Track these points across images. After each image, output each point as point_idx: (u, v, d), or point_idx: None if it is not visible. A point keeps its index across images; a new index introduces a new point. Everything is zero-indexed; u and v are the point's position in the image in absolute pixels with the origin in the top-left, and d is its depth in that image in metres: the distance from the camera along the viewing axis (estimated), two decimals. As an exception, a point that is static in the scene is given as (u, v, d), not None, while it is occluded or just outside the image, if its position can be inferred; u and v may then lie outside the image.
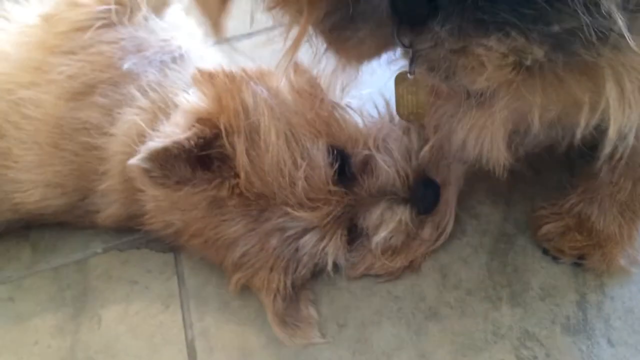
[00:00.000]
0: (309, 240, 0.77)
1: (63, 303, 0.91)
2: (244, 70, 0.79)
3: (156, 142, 0.69)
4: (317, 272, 0.85)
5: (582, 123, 0.53)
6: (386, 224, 0.80)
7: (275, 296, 0.81)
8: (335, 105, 0.81)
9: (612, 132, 0.51)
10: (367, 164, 0.80)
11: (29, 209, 0.89)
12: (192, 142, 0.70)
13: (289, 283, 0.80)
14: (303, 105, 0.78)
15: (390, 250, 0.84)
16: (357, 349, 0.83)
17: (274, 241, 0.79)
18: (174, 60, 0.84)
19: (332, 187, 0.77)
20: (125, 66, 0.82)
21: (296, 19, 0.51)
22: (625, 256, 0.83)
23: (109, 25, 0.88)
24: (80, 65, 0.83)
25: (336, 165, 0.78)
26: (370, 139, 0.80)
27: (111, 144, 0.81)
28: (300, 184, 0.74)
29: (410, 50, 0.54)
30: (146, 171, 0.69)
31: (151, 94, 0.79)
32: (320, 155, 0.76)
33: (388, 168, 0.78)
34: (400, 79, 0.64)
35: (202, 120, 0.72)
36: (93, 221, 0.90)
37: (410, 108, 0.66)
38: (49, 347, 0.87)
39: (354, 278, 0.88)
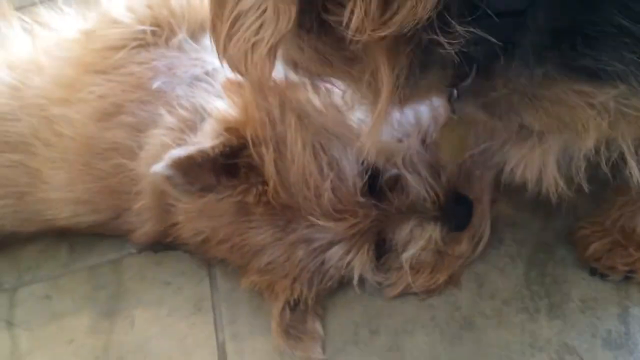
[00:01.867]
0: (335, 253, 0.77)
1: (98, 302, 0.92)
2: (273, 81, 0.78)
3: (180, 150, 0.69)
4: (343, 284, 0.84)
5: None
6: (415, 241, 0.78)
7: (284, 306, 0.80)
8: (365, 120, 0.80)
9: None
10: (397, 181, 0.79)
11: (61, 225, 0.90)
12: (218, 151, 0.70)
13: (312, 295, 0.80)
14: (334, 118, 0.77)
15: (430, 268, 0.82)
16: (388, 357, 0.81)
17: (300, 252, 0.78)
18: (206, 73, 0.84)
19: (360, 199, 0.76)
20: (155, 85, 0.82)
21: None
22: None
23: (143, 45, 0.88)
24: (111, 86, 0.84)
25: (366, 177, 0.77)
26: (400, 156, 0.79)
27: (141, 164, 0.81)
28: (327, 195, 0.73)
29: (455, 91, 0.53)
30: (169, 178, 0.69)
31: (180, 111, 0.78)
32: (349, 165, 0.75)
33: (418, 187, 0.77)
34: (447, 126, 0.63)
35: (229, 129, 0.72)
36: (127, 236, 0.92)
37: (454, 148, 0.65)
38: (83, 345, 0.88)
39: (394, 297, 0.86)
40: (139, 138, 0.81)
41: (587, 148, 0.52)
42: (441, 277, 0.82)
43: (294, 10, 0.43)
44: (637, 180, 0.57)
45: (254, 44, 0.46)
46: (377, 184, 0.77)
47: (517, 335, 0.80)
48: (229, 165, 0.73)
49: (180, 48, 0.89)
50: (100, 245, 0.98)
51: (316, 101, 0.77)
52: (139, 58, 0.87)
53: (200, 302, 0.90)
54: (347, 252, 0.76)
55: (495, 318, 0.82)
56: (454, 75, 0.51)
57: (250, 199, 0.74)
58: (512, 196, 0.90)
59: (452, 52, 0.44)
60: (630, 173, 0.56)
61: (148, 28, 0.88)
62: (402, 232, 0.78)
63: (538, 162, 0.58)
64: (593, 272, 0.84)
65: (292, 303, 0.81)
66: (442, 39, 0.43)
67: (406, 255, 0.79)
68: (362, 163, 0.76)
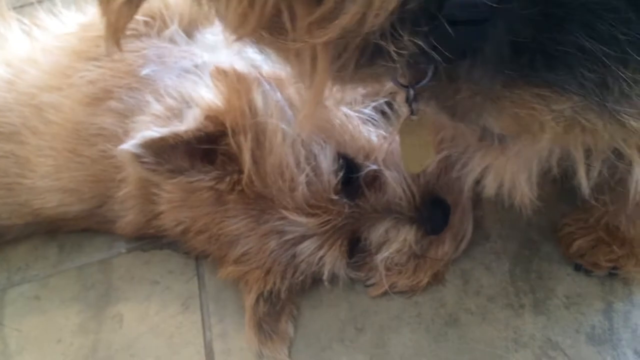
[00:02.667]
0: (306, 247, 0.77)
1: (86, 302, 0.93)
2: (260, 72, 0.79)
3: (153, 131, 0.70)
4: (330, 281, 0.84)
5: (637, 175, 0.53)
6: (390, 242, 0.79)
7: (258, 297, 0.81)
8: (348, 116, 0.80)
9: None
10: (376, 179, 0.79)
11: (48, 214, 0.91)
12: (191, 135, 0.70)
13: (284, 288, 0.80)
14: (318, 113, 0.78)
15: (412, 268, 0.83)
16: (374, 354, 0.82)
17: (272, 243, 0.79)
18: (195, 66, 0.85)
19: (334, 196, 0.76)
20: (144, 72, 0.83)
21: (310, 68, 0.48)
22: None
23: (136, 35, 0.89)
24: (101, 72, 0.85)
25: (341, 174, 0.77)
26: (381, 153, 0.79)
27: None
28: (301, 188, 0.74)
29: (411, 90, 0.53)
30: (137, 157, 0.69)
31: (167, 99, 0.79)
32: (326, 162, 0.75)
33: (396, 185, 0.77)
34: (403, 126, 0.61)
35: (209, 116, 0.73)
36: (113, 229, 0.92)
37: (417, 153, 0.64)
38: (72, 344, 0.89)
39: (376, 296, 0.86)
40: (126, 124, 0.82)
41: (540, 150, 0.53)
42: (424, 277, 0.82)
43: None
44: (585, 189, 0.57)
45: None
46: (356, 180, 0.78)
47: (501, 331, 0.81)
48: (207, 151, 0.73)
49: (171, 40, 0.90)
50: (89, 245, 0.99)
51: (302, 94, 0.77)
52: (131, 46, 0.88)
53: (188, 300, 0.91)
54: (319, 248, 0.77)
55: (480, 314, 0.83)
56: (412, 75, 0.51)
57: (224, 186, 0.74)
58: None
59: (398, 58, 0.43)
60: (579, 182, 0.56)
61: (141, 18, 0.89)
62: (377, 232, 0.79)
63: (506, 171, 0.59)
64: (577, 268, 0.84)
65: (265, 295, 0.81)
66: (390, 47, 0.43)
67: (380, 257, 0.79)
68: (340, 160, 0.76)
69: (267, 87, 0.76)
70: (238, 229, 0.77)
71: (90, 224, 0.95)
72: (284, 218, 0.75)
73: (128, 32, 0.89)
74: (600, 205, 0.70)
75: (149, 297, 0.92)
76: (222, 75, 0.76)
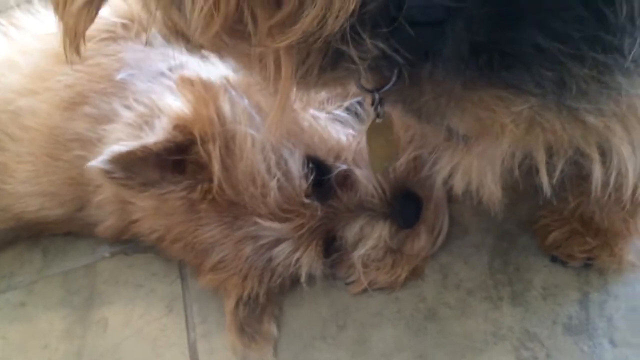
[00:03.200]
0: (282, 250, 0.78)
1: (71, 307, 0.94)
2: (226, 79, 0.79)
3: (121, 145, 0.70)
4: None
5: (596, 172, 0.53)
6: (365, 239, 0.80)
7: (238, 302, 0.81)
8: (316, 117, 0.81)
9: (631, 180, 0.52)
10: (347, 178, 0.79)
11: (30, 218, 0.91)
12: (161, 147, 0.71)
13: (262, 292, 0.81)
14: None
15: (390, 264, 0.83)
16: (356, 351, 0.83)
17: (247, 249, 0.79)
18: (169, 69, 0.85)
19: (306, 200, 0.77)
20: (119, 77, 0.83)
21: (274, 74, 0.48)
22: (634, 250, 0.82)
23: (114, 38, 0.89)
24: (78, 76, 0.85)
25: (311, 178, 0.77)
26: (350, 152, 0.80)
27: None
28: (273, 194, 0.74)
29: (376, 95, 0.54)
30: (107, 172, 0.69)
31: (138, 106, 0.79)
32: (296, 166, 0.76)
33: (366, 183, 0.78)
34: (369, 129, 0.62)
35: (177, 126, 0.73)
36: (94, 232, 0.92)
37: (383, 154, 0.65)
38: (57, 350, 0.89)
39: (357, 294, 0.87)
40: (99, 130, 0.82)
41: (502, 151, 0.54)
42: (402, 273, 0.83)
43: None
44: (546, 189, 0.58)
45: None
46: (327, 181, 0.78)
47: (480, 324, 0.82)
48: (177, 161, 0.74)
49: (149, 43, 0.90)
50: (73, 250, 1.00)
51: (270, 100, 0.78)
52: (108, 50, 0.88)
53: (172, 302, 0.92)
54: (294, 250, 0.78)
55: (459, 308, 0.84)
56: (376, 79, 0.52)
57: (196, 195, 0.75)
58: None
59: (361, 62, 0.44)
60: (541, 181, 0.57)
61: (119, 20, 0.89)
62: (352, 230, 0.79)
63: (472, 169, 0.59)
64: (554, 259, 0.85)
65: (244, 299, 0.82)
66: (352, 52, 0.43)
67: (357, 254, 0.80)
68: (309, 164, 0.77)
69: (234, 94, 0.77)
70: (212, 237, 0.78)
71: (71, 227, 0.96)
72: (257, 224, 0.76)
73: (105, 35, 0.90)
74: (561, 202, 0.71)
75: (133, 301, 0.93)
76: (188, 83, 0.76)
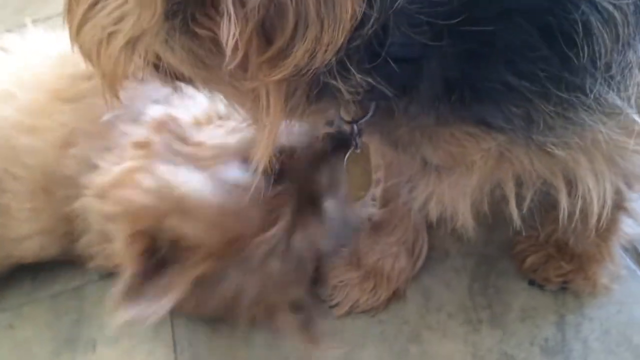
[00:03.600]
0: (297, 240, 0.79)
1: (60, 330, 0.95)
2: (135, 144, 0.81)
3: (114, 290, 0.73)
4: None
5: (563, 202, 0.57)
6: (338, 176, 0.81)
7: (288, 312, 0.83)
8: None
9: (595, 208, 0.55)
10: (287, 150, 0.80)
11: (28, 262, 0.94)
12: (140, 267, 0.73)
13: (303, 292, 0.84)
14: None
15: (372, 285, 0.86)
16: (340, 372, 0.85)
17: (273, 264, 0.80)
18: (156, 102, 0.87)
19: (273, 195, 0.77)
20: (104, 118, 0.84)
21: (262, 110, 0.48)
22: (607, 274, 0.85)
23: None
24: (73, 115, 0.86)
25: (256, 177, 0.74)
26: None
27: (83, 203, 0.83)
28: (253, 212, 0.76)
29: (355, 126, 0.56)
30: (140, 316, 0.72)
31: (113, 154, 0.81)
32: (240, 177, 0.76)
33: (310, 145, 0.79)
34: (349, 160, 0.64)
35: (133, 236, 0.75)
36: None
37: (360, 183, 0.67)
38: (45, 372, 0.90)
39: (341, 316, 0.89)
40: (82, 178, 0.84)
41: (472, 185, 0.57)
42: (383, 294, 0.85)
43: (160, 6, 0.40)
44: (516, 219, 0.61)
45: (110, 34, 0.43)
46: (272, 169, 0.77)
47: (460, 345, 0.84)
48: (164, 256, 0.76)
49: (143, 80, 0.92)
50: (63, 273, 1.01)
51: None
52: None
53: (159, 326, 0.93)
54: (304, 231, 0.80)
55: (441, 330, 0.86)
56: (355, 110, 0.55)
57: (208, 265, 0.76)
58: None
59: (349, 96, 0.47)
60: (510, 212, 0.60)
61: None
62: (323, 174, 0.81)
63: (446, 198, 0.62)
64: (532, 282, 0.88)
65: (292, 308, 0.83)
66: (341, 86, 0.46)
67: (338, 190, 0.82)
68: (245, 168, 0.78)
69: (153, 164, 0.78)
70: (235, 284, 0.79)
71: (72, 259, 0.97)
72: (262, 241, 0.77)
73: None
74: (536, 229, 0.75)
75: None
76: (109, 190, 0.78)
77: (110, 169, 0.80)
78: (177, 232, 0.75)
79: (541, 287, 0.87)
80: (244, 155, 0.79)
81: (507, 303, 0.88)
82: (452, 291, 0.90)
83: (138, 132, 0.82)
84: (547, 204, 0.64)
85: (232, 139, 0.80)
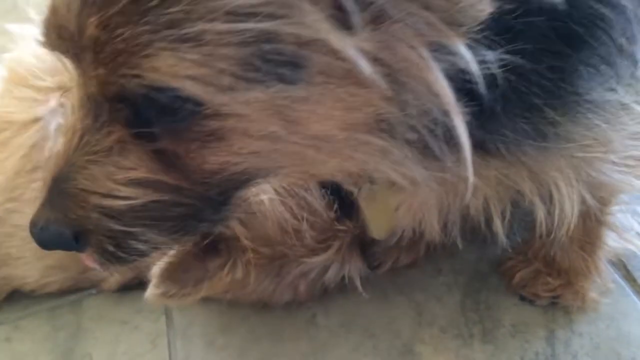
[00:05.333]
0: (332, 273, 0.85)
1: (56, 343, 0.96)
2: None
3: (157, 265, 0.74)
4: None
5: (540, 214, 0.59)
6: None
7: None
8: None
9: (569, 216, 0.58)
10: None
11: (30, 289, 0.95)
12: (190, 244, 0.76)
13: None
14: None
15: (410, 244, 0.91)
16: (334, 386, 0.86)
17: (302, 287, 0.86)
18: None
19: (337, 225, 0.83)
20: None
21: None
22: (596, 288, 0.87)
23: None
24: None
25: (335, 206, 0.83)
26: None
27: None
28: (308, 235, 0.80)
29: None
30: (163, 294, 0.74)
31: None
32: (316, 202, 0.80)
33: None
34: (367, 199, 0.68)
35: None
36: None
37: (384, 219, 0.70)
38: (42, 386, 0.91)
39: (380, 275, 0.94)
40: None
41: (456, 207, 0.59)
42: (421, 251, 0.93)
43: None
44: (501, 237, 0.64)
45: None
46: (347, 199, 0.83)
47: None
48: (208, 248, 0.78)
49: None
50: (60, 287, 1.02)
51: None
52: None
53: (156, 339, 0.94)
54: (342, 268, 0.85)
55: (433, 344, 0.88)
56: None
57: (239, 273, 0.79)
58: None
59: None
60: (496, 230, 0.63)
61: None
62: None
63: (419, 209, 0.64)
64: (522, 298, 0.90)
65: None
66: None
67: (390, 243, 0.88)
68: (328, 194, 0.82)
69: None
70: (266, 290, 0.83)
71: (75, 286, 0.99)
72: (303, 263, 0.81)
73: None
74: (528, 243, 0.77)
75: (118, 337, 0.95)
76: None
77: None
78: (234, 230, 0.78)
79: (531, 302, 0.89)
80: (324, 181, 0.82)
81: (498, 318, 0.89)
82: (444, 306, 0.92)
83: None
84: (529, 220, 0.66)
85: None
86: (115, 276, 0.92)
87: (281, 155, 0.48)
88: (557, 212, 0.59)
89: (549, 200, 0.59)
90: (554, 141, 0.53)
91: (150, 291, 0.74)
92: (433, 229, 0.67)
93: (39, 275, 0.93)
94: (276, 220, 0.78)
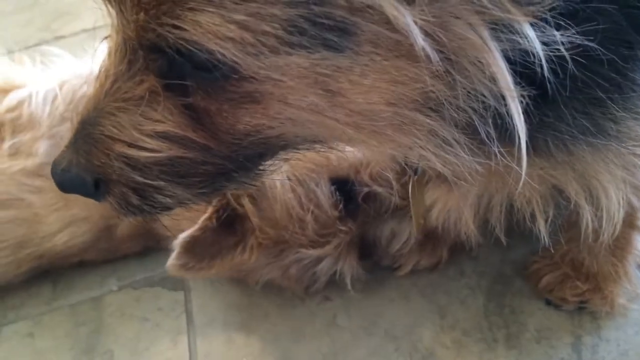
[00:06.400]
0: (324, 265, 0.85)
1: (78, 339, 0.96)
2: None
3: (181, 236, 0.77)
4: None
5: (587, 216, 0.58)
6: (399, 237, 0.87)
7: None
8: None
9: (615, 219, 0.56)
10: (370, 195, 0.85)
11: (58, 251, 0.95)
12: (214, 220, 0.78)
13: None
14: None
15: (432, 246, 0.91)
16: (354, 388, 0.85)
17: (292, 270, 0.86)
18: None
19: (339, 225, 0.83)
20: None
21: None
22: (625, 293, 0.85)
23: None
24: None
25: (341, 206, 0.83)
26: (368, 165, 0.85)
27: None
28: (310, 226, 0.81)
29: None
30: (183, 266, 0.77)
31: None
32: (324, 197, 0.81)
33: (386, 195, 0.84)
34: (415, 188, 0.66)
35: None
36: (114, 248, 0.97)
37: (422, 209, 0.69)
38: (63, 381, 0.92)
39: (402, 276, 0.93)
40: None
41: (498, 202, 0.57)
42: (443, 253, 0.92)
43: None
44: (544, 235, 0.62)
45: None
46: (354, 197, 0.84)
47: (475, 364, 0.85)
48: (225, 222, 0.80)
49: None
50: (81, 283, 1.03)
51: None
52: None
53: (176, 337, 0.94)
54: (336, 263, 0.85)
55: (455, 348, 0.86)
56: None
57: (247, 255, 0.81)
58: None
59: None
60: (539, 229, 0.61)
61: None
62: (384, 232, 0.87)
63: (452, 206, 0.63)
64: (548, 302, 0.88)
65: None
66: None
67: (392, 249, 0.88)
68: (336, 193, 0.82)
69: None
70: (260, 265, 0.85)
71: (92, 254, 0.99)
72: (300, 251, 0.83)
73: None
74: (556, 245, 0.75)
75: (139, 334, 0.95)
76: None
77: None
78: (245, 209, 0.80)
79: (557, 307, 0.87)
80: (336, 174, 0.84)
81: (522, 323, 0.87)
82: (467, 310, 0.90)
83: None
84: (567, 221, 0.64)
85: (333, 157, 0.84)
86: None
87: (319, 127, 0.46)
88: (603, 215, 0.57)
89: (594, 202, 0.56)
90: (613, 138, 0.50)
91: (171, 261, 0.76)
92: (468, 229, 0.65)
93: (68, 235, 0.94)
94: (284, 204, 0.80)
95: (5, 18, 1.13)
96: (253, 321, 0.94)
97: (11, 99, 0.94)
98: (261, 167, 0.53)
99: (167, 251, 1.01)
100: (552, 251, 0.84)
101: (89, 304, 1.00)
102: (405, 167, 0.63)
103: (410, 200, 0.70)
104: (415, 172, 0.64)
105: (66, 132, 0.84)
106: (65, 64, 1.04)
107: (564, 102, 0.46)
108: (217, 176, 0.51)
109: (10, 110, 0.93)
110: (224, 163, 0.50)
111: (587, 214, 0.59)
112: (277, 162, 0.54)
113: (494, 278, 0.93)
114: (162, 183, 0.50)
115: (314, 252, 0.83)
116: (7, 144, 0.92)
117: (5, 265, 0.95)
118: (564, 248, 0.82)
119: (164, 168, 0.50)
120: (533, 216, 0.63)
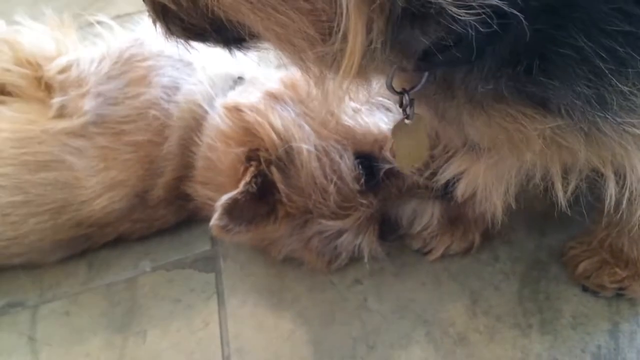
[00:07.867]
0: (345, 239, 0.86)
1: (113, 318, 0.98)
2: (268, 92, 0.86)
3: (224, 197, 0.79)
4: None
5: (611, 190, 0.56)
6: (419, 218, 0.87)
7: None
8: (358, 111, 0.86)
9: None
10: (393, 172, 0.85)
11: (96, 218, 0.97)
12: (253, 184, 0.80)
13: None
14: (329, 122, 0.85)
15: (463, 230, 0.91)
16: (385, 372, 0.85)
17: (314, 242, 0.88)
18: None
19: (360, 198, 0.83)
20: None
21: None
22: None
23: None
24: None
25: (362, 180, 0.83)
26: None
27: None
28: (332, 197, 0.82)
29: (406, 96, 0.56)
30: (223, 227, 0.79)
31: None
32: (347, 169, 0.82)
33: (413, 175, 0.83)
34: (397, 130, 0.63)
35: (248, 157, 0.81)
36: (148, 218, 1.00)
37: (411, 154, 0.67)
38: (98, 358, 0.93)
39: (433, 261, 0.93)
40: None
41: (521, 164, 0.55)
42: (476, 237, 0.91)
43: None
44: (563, 203, 0.60)
45: None
46: (377, 174, 0.84)
47: (508, 350, 0.83)
48: (262, 190, 0.82)
49: None
50: (116, 264, 1.04)
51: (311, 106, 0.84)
52: None
53: (207, 317, 0.95)
54: (356, 237, 0.86)
55: (488, 334, 0.85)
56: (406, 79, 0.54)
57: (277, 225, 0.84)
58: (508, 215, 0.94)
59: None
60: (556, 195, 0.59)
61: None
62: (406, 212, 0.88)
63: (480, 179, 0.61)
64: (585, 289, 0.86)
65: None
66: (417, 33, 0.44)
67: (413, 230, 0.88)
68: (359, 166, 0.83)
69: (279, 107, 0.82)
70: (279, 232, 0.87)
71: (126, 225, 1.01)
72: (321, 223, 0.84)
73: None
74: (590, 233, 0.72)
75: (172, 314, 0.97)
76: (236, 112, 0.82)
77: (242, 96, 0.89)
78: (273, 177, 0.82)
79: (595, 293, 0.85)
80: (360, 148, 0.84)
81: (557, 309, 0.86)
82: (501, 295, 0.89)
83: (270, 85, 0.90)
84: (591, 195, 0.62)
85: (360, 129, 0.85)
86: (163, 177, 0.97)
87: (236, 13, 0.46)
88: (626, 193, 0.55)
89: (621, 179, 0.55)
90: (619, 114, 0.49)
91: (214, 221, 0.79)
92: (495, 208, 0.64)
93: (106, 200, 0.96)
94: (310, 172, 0.81)
95: (39, 5, 1.14)
96: (283, 304, 0.94)
97: (61, 61, 0.96)
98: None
99: (198, 234, 1.04)
100: (590, 237, 0.83)
101: (123, 284, 1.02)
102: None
103: (394, 142, 0.67)
104: (407, 116, 0.60)
105: (112, 91, 0.91)
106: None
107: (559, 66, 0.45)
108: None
109: (61, 71, 0.95)
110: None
111: (612, 185, 0.57)
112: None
113: (529, 264, 0.91)
114: None
115: (334, 224, 0.84)
116: (55, 105, 0.93)
117: (43, 231, 0.96)
118: (603, 233, 0.80)
119: None
120: (554, 187, 0.61)
